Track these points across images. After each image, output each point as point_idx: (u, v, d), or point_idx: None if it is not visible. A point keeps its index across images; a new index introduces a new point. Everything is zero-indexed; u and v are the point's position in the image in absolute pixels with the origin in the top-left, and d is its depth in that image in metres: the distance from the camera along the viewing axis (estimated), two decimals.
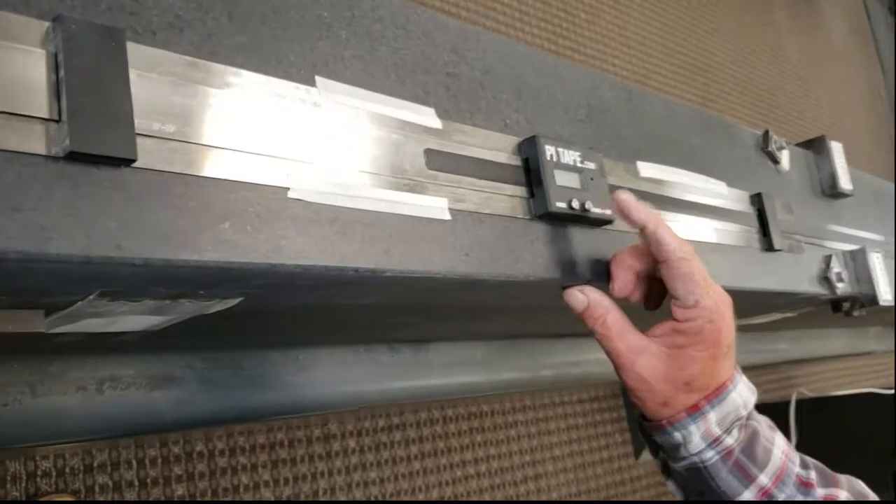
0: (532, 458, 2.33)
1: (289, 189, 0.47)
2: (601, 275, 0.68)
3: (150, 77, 0.42)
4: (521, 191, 0.64)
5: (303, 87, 0.50)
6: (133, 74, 0.41)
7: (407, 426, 2.10)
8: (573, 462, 2.40)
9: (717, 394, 0.64)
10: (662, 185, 0.80)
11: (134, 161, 0.40)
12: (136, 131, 0.41)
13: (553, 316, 0.67)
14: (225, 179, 0.44)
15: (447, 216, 0.57)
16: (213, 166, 0.44)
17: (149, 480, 1.57)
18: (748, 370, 0.68)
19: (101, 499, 1.53)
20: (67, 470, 1.49)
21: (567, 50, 2.82)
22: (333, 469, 1.89)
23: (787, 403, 2.30)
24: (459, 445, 2.18)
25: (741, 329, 0.67)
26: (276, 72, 0.49)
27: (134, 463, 1.57)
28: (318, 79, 0.51)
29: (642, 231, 0.64)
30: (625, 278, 0.66)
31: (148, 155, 0.41)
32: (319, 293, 0.54)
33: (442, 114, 0.59)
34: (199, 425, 0.77)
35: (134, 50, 0.42)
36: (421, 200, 0.55)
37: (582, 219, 0.67)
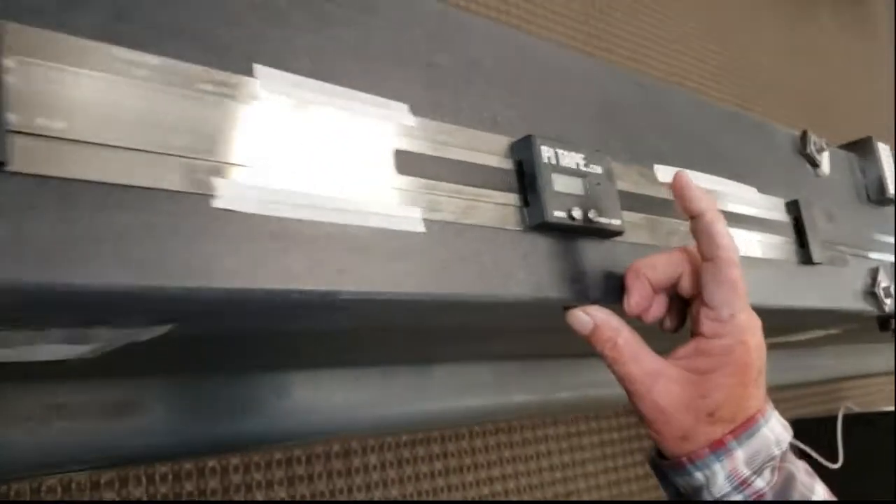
0: (563, 475, 2.23)
1: (213, 197, 0.40)
2: (610, 293, 0.60)
3: (33, 64, 0.35)
4: (512, 198, 0.56)
5: (237, 77, 0.43)
6: (11, 61, 0.34)
7: (431, 441, 2.01)
8: (606, 479, 2.29)
9: (745, 427, 0.55)
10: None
11: (4, 164, 0.33)
12: (11, 128, 0.33)
13: (564, 336, 0.58)
14: (129, 185, 0.37)
15: (420, 227, 0.49)
16: (114, 170, 0.36)
17: (158, 496, 1.52)
18: (786, 390, 0.59)
19: None
20: (73, 486, 1.44)
21: (602, 51, 2.73)
22: (353, 486, 1.82)
23: (834, 418, 2.17)
24: (487, 461, 2.09)
25: (776, 347, 0.58)
26: (204, 58, 0.42)
27: (143, 479, 1.51)
28: (256, 67, 0.44)
29: (696, 220, 0.56)
30: (642, 292, 0.58)
31: (27, 156, 0.34)
32: (270, 319, 0.47)
33: (417, 110, 0.52)
34: (165, 457, 0.70)
35: (14, 32, 0.35)
36: (388, 210, 0.48)
37: (585, 230, 0.58)
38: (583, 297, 0.58)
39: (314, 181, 0.45)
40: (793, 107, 3.47)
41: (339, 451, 1.81)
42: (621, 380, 0.57)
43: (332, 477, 1.78)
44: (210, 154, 0.40)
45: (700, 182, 0.74)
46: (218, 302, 0.39)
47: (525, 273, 0.55)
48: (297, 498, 1.68)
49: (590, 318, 0.58)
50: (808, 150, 0.92)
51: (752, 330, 0.55)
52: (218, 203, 0.40)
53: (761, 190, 0.82)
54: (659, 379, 0.56)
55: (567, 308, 0.59)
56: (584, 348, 0.58)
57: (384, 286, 0.46)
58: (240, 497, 1.63)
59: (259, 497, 1.64)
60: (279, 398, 0.72)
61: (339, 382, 0.77)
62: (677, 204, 0.57)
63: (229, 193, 0.40)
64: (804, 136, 0.93)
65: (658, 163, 0.70)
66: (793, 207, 0.85)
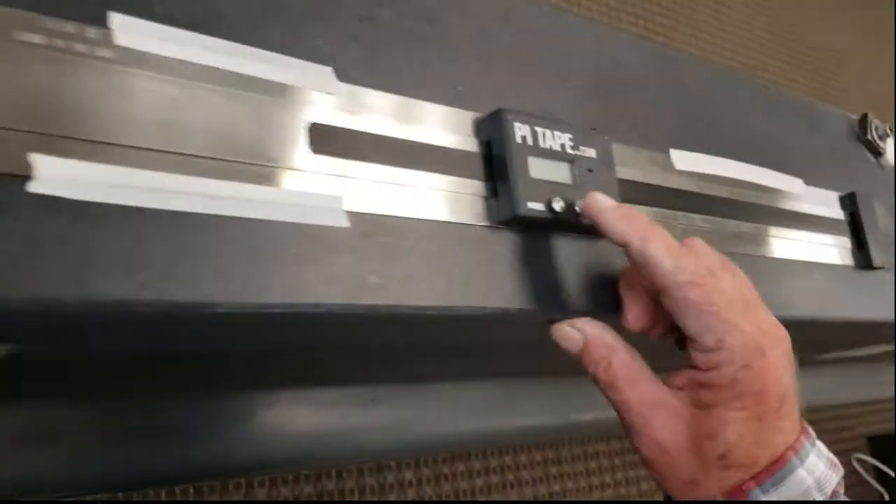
0: (616, 494, 2.09)
1: (30, 179, 0.30)
2: (604, 304, 0.49)
3: None
4: (476, 187, 0.45)
5: (85, 28, 0.33)
6: None
7: (471, 456, 1.90)
8: (661, 498, 2.15)
9: (771, 472, 0.43)
10: (707, 183, 0.60)
11: None
12: None
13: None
14: None
15: (342, 222, 0.39)
16: None
17: None
18: (845, 408, 0.47)
19: None
20: None
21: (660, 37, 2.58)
22: None
23: None
24: (531, 478, 1.96)
25: (827, 364, 0.46)
26: (42, 5, 0.32)
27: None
28: (112, 16, 0.34)
29: (625, 250, 0.45)
30: (640, 304, 0.47)
31: None
32: (141, 337, 0.37)
33: (346, 75, 0.41)
34: (94, 490, 0.61)
35: None
36: (296, 198, 0.37)
37: (570, 225, 0.47)
38: (569, 310, 0.47)
39: (187, 162, 0.35)
40: (867, 97, 3.25)
41: (373, 466, 1.71)
42: (616, 408, 0.47)
43: (364, 493, 1.68)
44: (32, 124, 0.31)
45: (729, 172, 0.62)
46: (33, 315, 0.30)
47: (490, 278, 0.44)
48: None
49: (579, 333, 0.47)
50: (869, 136, 0.79)
51: (762, 349, 0.43)
52: (36, 187, 0.30)
53: (809, 181, 0.70)
54: (660, 411, 0.45)
55: (552, 322, 0.48)
56: None
57: (285, 295, 0.36)
58: None
59: None
60: (235, 423, 0.63)
61: (313, 404, 0.67)
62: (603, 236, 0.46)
63: (55, 174, 0.31)
64: (864, 120, 0.80)
65: (675, 147, 0.58)
66: (848, 202, 0.72)
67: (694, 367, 0.44)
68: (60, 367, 0.47)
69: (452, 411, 0.74)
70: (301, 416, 0.67)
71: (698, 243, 0.47)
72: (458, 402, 0.75)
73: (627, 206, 0.46)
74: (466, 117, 0.46)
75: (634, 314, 0.47)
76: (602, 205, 0.46)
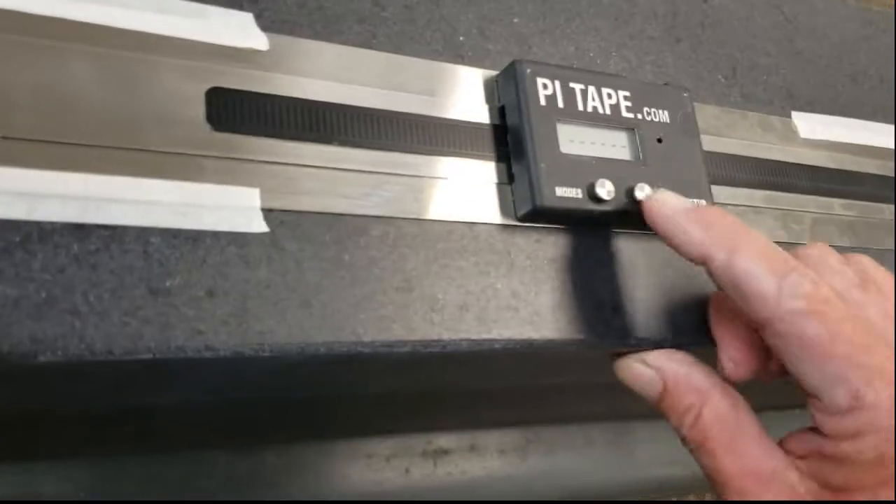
0: None
1: None
2: (689, 329, 0.34)
3: None
4: (488, 172, 0.32)
5: None
6: None
7: None
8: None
9: None
10: (849, 155, 0.44)
11: None
12: None
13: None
14: None
15: (258, 226, 0.27)
16: None
17: None
18: None
19: None
20: None
21: None
22: None
23: None
24: None
25: None
26: None
27: None
28: None
29: (707, 268, 0.30)
30: (743, 343, 0.33)
31: None
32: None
33: (277, 24, 0.30)
34: None
35: None
36: (187, 196, 0.26)
37: (627, 219, 0.33)
38: (633, 339, 0.33)
39: (19, 147, 0.24)
40: None
41: None
42: (709, 478, 0.32)
43: None
44: None
45: (879, 140, 0.45)
46: None
47: (499, 300, 0.31)
48: None
49: (655, 372, 0.33)
50: None
51: None
52: None
53: None
54: (770, 488, 0.30)
55: (616, 356, 0.34)
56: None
57: (168, 340, 0.24)
58: None
59: None
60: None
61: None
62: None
63: None
64: None
65: (797, 109, 0.43)
66: None
67: (817, 430, 0.29)
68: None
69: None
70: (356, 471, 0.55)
71: (820, 251, 0.32)
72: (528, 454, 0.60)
73: (709, 208, 0.32)
74: (474, 76, 0.33)
75: (734, 358, 0.33)
76: (667, 208, 0.31)
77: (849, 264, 0.32)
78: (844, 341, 0.27)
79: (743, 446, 0.31)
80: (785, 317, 0.28)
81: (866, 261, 0.33)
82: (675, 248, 0.31)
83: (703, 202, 0.35)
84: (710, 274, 0.30)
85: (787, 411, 0.39)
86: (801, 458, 0.30)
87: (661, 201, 0.32)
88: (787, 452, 0.31)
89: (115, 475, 0.50)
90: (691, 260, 0.31)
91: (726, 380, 0.33)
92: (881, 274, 0.33)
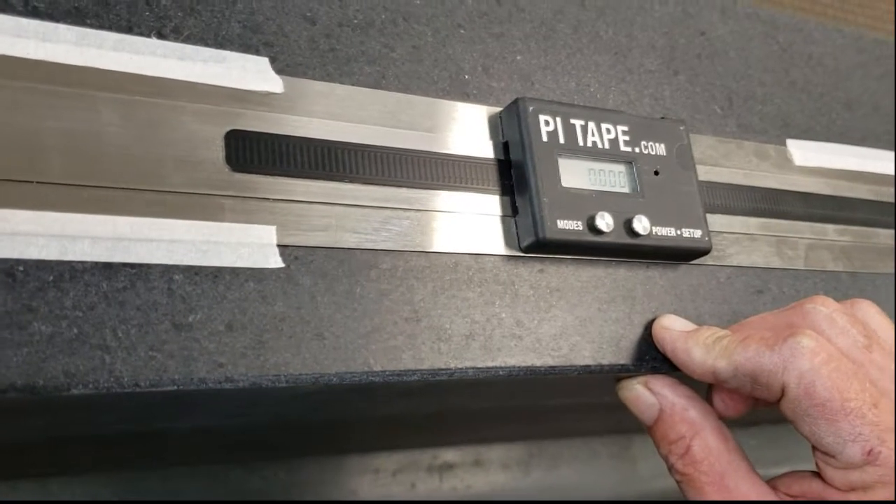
0: None
1: None
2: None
3: None
4: (492, 205, 0.34)
5: None
6: None
7: None
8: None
9: None
10: (843, 182, 0.45)
11: None
12: None
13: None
14: None
15: (275, 262, 0.28)
16: None
17: None
18: None
19: None
20: None
21: None
22: None
23: None
24: None
25: None
26: None
27: None
28: None
29: (722, 382, 0.33)
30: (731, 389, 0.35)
31: None
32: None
33: (291, 67, 0.31)
34: None
35: None
36: (208, 234, 0.27)
37: (626, 249, 0.35)
38: (630, 366, 0.35)
39: (35, 191, 0.25)
40: None
41: None
42: None
43: None
44: None
45: (873, 166, 0.46)
46: None
47: (506, 329, 0.32)
48: None
49: (653, 397, 0.35)
50: None
51: None
52: None
53: None
54: None
55: (621, 379, 0.36)
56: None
57: (189, 373, 0.26)
58: None
59: None
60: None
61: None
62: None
63: None
64: None
65: (792, 137, 0.44)
66: None
67: (825, 481, 0.31)
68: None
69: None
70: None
71: (821, 305, 0.33)
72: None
73: (706, 329, 0.34)
74: (479, 113, 0.35)
75: (725, 400, 0.35)
76: (667, 333, 0.34)
77: (853, 317, 0.33)
78: (853, 397, 0.29)
79: (731, 482, 0.32)
80: (800, 390, 0.29)
81: (869, 310, 0.35)
82: (681, 367, 0.34)
83: (700, 233, 0.36)
84: (721, 383, 0.32)
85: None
86: (792, 497, 0.31)
87: (663, 327, 0.35)
88: (776, 491, 0.32)
89: (132, 490, 0.51)
90: (703, 380, 0.33)
91: (720, 415, 0.34)
92: (884, 327, 0.34)
